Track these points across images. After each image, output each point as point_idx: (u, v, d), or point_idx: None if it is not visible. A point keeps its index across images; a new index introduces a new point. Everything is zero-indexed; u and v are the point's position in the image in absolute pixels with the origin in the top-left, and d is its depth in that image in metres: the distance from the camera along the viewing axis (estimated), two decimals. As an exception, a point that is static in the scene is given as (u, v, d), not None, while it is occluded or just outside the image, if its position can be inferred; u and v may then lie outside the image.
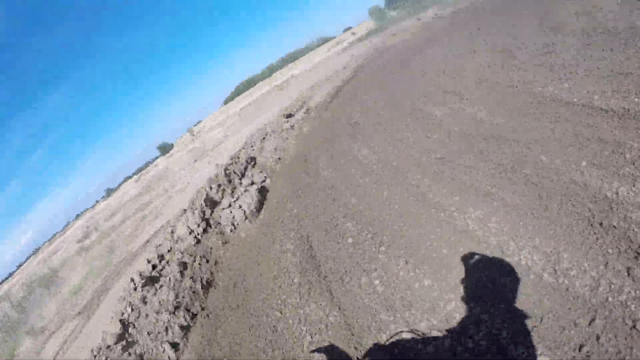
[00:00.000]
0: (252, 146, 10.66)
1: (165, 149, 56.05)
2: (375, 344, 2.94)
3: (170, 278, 5.42)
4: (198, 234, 6.33)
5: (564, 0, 8.89)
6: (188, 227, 6.55)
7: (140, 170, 55.99)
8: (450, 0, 20.94)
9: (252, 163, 9.16)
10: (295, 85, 25.60)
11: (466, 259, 3.12)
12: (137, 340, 4.76)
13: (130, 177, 54.85)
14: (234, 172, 8.39)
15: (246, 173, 8.45)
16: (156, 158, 54.62)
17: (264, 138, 10.95)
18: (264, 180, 7.78)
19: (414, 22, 18.22)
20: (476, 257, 3.08)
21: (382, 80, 10.39)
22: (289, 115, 12.60)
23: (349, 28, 64.35)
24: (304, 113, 11.91)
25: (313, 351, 3.23)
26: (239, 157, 9.66)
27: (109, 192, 58.62)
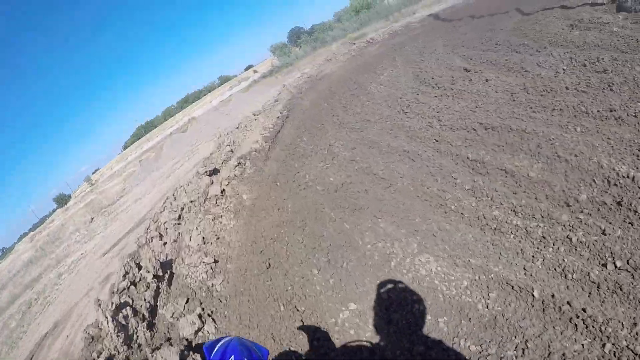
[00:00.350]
0: (160, 237, 6.48)
1: (62, 200, 51.54)
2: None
3: None
4: None
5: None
6: None
7: (36, 225, 50.53)
8: (355, 35, 20.70)
9: (167, 277, 5.14)
10: (208, 125, 21.43)
11: None
12: None
13: (26, 234, 46.86)
14: (134, 317, 4.26)
15: (159, 312, 4.40)
16: (54, 211, 50.34)
17: (179, 217, 6.91)
18: (200, 328, 3.94)
19: (345, 46, 16.77)
20: None
21: (340, 114, 7.76)
22: (213, 172, 8.77)
23: (251, 66, 64.44)
24: (235, 167, 8.35)
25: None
26: (139, 267, 5.43)
27: (4, 252, 50.88)
